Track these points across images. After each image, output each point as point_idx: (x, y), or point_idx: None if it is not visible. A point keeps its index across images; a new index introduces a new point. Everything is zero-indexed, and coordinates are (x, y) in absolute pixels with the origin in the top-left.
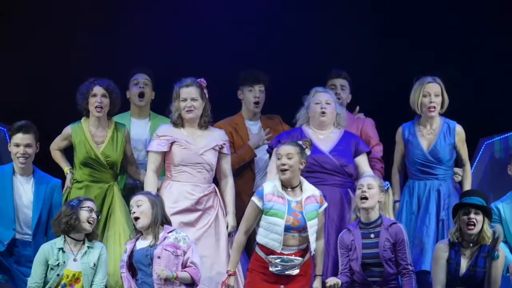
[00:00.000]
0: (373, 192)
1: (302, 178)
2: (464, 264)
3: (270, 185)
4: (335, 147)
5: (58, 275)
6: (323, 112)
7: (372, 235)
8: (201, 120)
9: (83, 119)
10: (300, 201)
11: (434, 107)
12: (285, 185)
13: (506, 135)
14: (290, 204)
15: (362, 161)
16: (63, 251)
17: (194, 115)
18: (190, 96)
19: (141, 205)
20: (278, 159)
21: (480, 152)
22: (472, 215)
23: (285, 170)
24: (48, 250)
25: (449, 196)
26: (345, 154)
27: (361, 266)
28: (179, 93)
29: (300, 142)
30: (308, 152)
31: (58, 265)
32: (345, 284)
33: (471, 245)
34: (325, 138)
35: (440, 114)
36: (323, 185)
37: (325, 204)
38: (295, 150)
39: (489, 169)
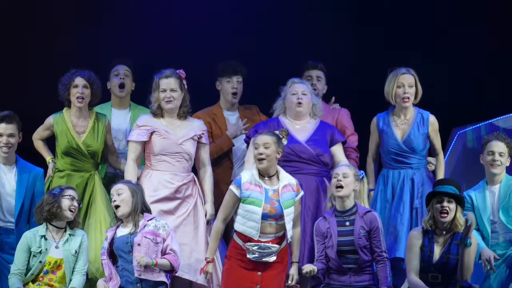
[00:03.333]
0: (348, 181)
1: (279, 167)
2: (437, 251)
3: (247, 174)
4: (311, 136)
5: (40, 262)
6: (299, 103)
7: (347, 223)
8: (180, 111)
9: (64, 110)
10: (277, 190)
11: (408, 98)
12: (262, 174)
13: (478, 125)
14: (267, 193)
15: (337, 150)
16: (45, 239)
17: (173, 106)
18: (169, 87)
19: (121, 194)
20: (255, 148)
21: (453, 142)
22: (445, 203)
23: (262, 159)
24: (31, 237)
25: (423, 184)
26: (321, 144)
27: (336, 253)
28: (159, 84)
29: (277, 132)
30: (284, 141)
31: (40, 252)
32: (321, 271)
33: (444, 232)
34: (301, 128)
35: (414, 105)
36: (300, 174)
37: (301, 193)
38: (272, 140)
39: (461, 158)
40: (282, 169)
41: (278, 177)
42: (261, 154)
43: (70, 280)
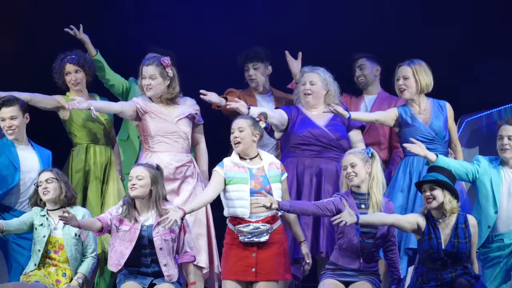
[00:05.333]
0: (358, 168)
1: (259, 150)
2: (444, 237)
3: (228, 159)
4: (330, 121)
5: (44, 236)
6: (306, 94)
7: (362, 206)
8: (167, 97)
9: (68, 93)
10: (261, 168)
11: (404, 89)
12: (243, 157)
13: (490, 111)
14: (251, 171)
15: (354, 136)
16: (47, 218)
17: (153, 93)
18: (148, 74)
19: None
20: (232, 133)
21: (461, 129)
22: (427, 193)
23: (238, 142)
24: (33, 212)
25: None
26: (340, 129)
27: (360, 233)
28: (141, 71)
29: (254, 116)
30: (262, 124)
31: (42, 225)
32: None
33: (440, 220)
34: (319, 114)
35: (427, 95)
36: (319, 157)
37: (286, 174)
38: (247, 123)
39: (468, 145)
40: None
41: (260, 158)
42: (236, 137)
43: (76, 263)
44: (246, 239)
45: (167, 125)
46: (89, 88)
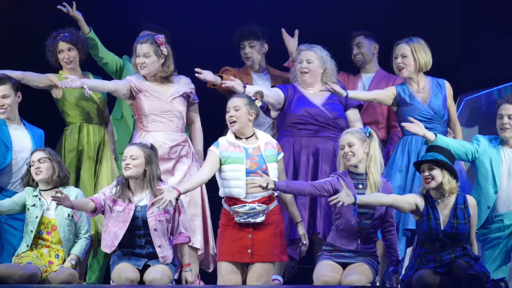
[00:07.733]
0: (355, 148)
1: (255, 129)
2: (443, 218)
3: (224, 138)
4: (327, 100)
5: (36, 217)
6: (302, 72)
7: (360, 186)
8: (162, 76)
9: (61, 71)
10: (257, 147)
11: (402, 68)
12: (239, 137)
13: (489, 90)
14: (247, 151)
15: (352, 115)
16: (39, 198)
17: (147, 72)
18: (142, 52)
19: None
20: (227, 112)
21: (460, 107)
22: (426, 173)
23: (233, 122)
24: (25, 193)
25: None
26: (338, 108)
27: (358, 214)
28: (135, 49)
29: (250, 94)
30: (258, 103)
31: (34, 205)
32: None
33: (439, 200)
34: (315, 93)
35: (425, 73)
36: (316, 137)
37: (282, 153)
38: (243, 102)
39: (468, 124)
40: (260, 130)
41: (256, 137)
42: (232, 117)
43: (69, 244)
44: (242, 220)
45: (162, 104)
46: (82, 66)
